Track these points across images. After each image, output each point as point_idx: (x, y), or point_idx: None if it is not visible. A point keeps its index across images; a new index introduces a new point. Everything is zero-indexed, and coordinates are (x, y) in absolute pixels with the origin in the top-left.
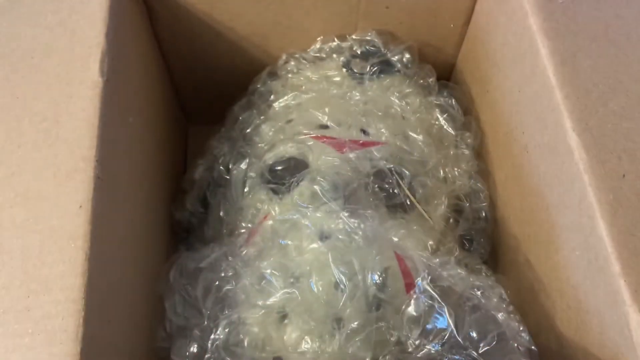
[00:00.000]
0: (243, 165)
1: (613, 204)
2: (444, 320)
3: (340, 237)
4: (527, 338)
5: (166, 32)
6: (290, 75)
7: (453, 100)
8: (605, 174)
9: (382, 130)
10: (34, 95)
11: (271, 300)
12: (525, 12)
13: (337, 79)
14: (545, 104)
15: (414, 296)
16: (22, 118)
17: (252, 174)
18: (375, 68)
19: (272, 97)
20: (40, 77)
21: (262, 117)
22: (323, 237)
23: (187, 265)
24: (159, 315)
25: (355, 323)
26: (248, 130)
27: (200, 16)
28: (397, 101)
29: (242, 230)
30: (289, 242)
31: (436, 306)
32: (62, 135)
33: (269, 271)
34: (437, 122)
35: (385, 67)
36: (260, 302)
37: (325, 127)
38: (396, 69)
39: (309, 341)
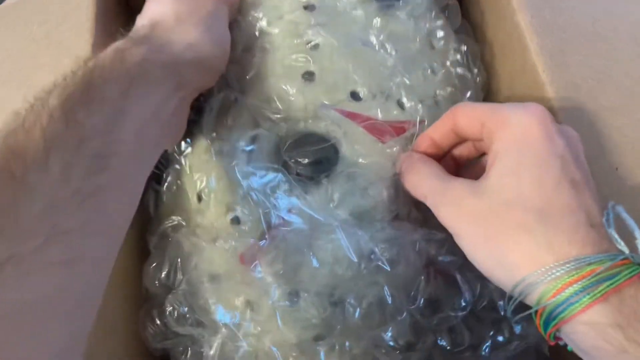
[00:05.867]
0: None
1: (607, 197)
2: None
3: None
4: None
5: None
6: None
7: None
8: (598, 168)
9: (419, 105)
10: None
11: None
12: (513, 9)
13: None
14: (536, 100)
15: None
16: None
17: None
18: None
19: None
20: (28, 90)
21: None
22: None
23: None
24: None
25: None
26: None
27: None
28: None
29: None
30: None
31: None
32: None
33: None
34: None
35: None
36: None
37: (358, 97)
38: None
39: None
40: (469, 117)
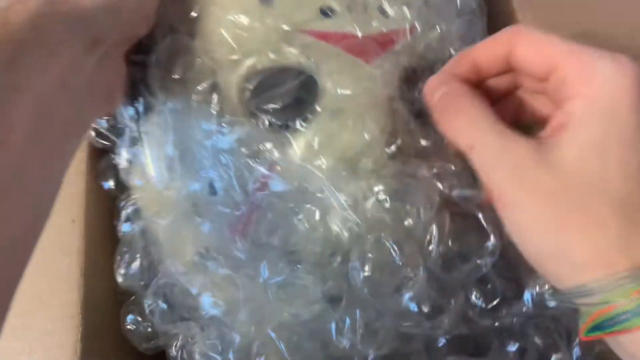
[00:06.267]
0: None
1: None
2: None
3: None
4: None
5: None
6: None
7: None
8: None
9: (404, 8)
10: None
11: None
12: (513, 8)
13: None
14: None
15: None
16: None
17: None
18: None
19: None
20: None
21: None
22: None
23: None
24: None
25: None
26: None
27: None
28: None
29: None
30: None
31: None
32: None
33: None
34: None
35: None
36: None
37: (328, 13)
38: None
39: None
40: (536, 50)
